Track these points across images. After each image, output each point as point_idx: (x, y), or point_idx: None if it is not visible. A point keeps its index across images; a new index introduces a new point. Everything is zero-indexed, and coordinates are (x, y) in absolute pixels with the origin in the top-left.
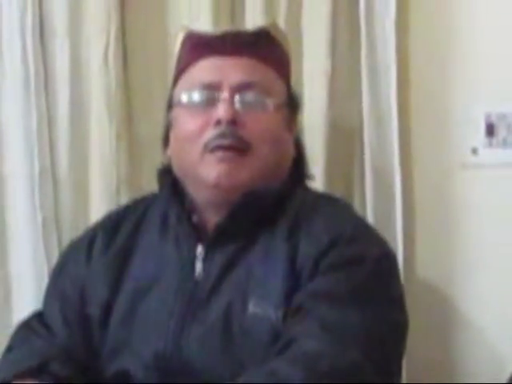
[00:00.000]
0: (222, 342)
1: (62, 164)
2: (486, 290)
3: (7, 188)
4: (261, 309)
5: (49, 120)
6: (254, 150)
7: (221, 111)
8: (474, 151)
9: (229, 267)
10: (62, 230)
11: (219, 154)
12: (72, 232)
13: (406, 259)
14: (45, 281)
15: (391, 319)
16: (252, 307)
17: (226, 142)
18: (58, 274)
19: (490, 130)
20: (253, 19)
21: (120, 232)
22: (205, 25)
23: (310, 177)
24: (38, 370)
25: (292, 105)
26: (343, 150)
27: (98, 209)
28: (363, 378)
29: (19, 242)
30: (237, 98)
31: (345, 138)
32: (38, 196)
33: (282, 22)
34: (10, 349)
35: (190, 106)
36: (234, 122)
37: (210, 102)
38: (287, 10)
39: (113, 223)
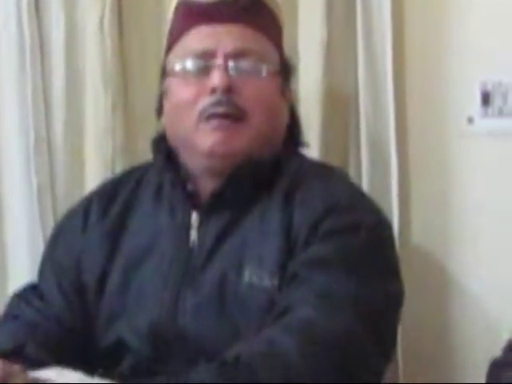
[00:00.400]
0: (217, 311)
1: (58, 133)
2: (482, 257)
3: (3, 157)
4: (256, 277)
5: (44, 90)
6: (249, 117)
7: (216, 79)
8: (470, 120)
9: (224, 235)
10: (57, 199)
11: (215, 122)
12: (67, 200)
13: (401, 227)
14: (40, 249)
15: (386, 288)
16: (247, 275)
17: (221, 109)
18: (54, 244)
19: (486, 99)
20: None
21: (115, 201)
22: None
23: (305, 144)
24: (12, 353)
25: (286, 72)
26: (339, 119)
27: (94, 178)
28: (358, 345)
29: (15, 210)
30: (231, 65)
31: (340, 106)
32: (33, 164)
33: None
34: (1, 323)
35: (184, 74)
36: (229, 89)
37: (204, 70)
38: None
39: (108, 192)
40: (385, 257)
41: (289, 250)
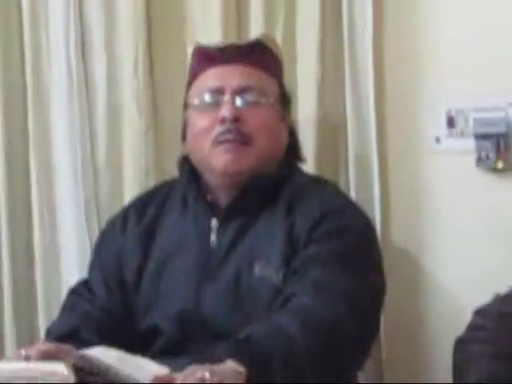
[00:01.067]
0: (233, 300)
1: (101, 154)
2: (450, 253)
3: (56, 173)
4: (265, 272)
5: (89, 118)
6: (254, 141)
7: (224, 111)
8: (438, 140)
9: (238, 238)
10: (100, 209)
11: (225, 146)
12: (109, 210)
13: (382, 229)
14: (87, 250)
15: (372, 281)
16: (258, 271)
17: (230, 136)
18: (99, 247)
19: (451, 123)
20: (255, 31)
21: (148, 210)
22: (216, 37)
23: (303, 160)
24: (68, 336)
25: (285, 101)
26: (330, 141)
27: (130, 191)
28: (347, 329)
29: (66, 218)
30: (237, 99)
31: (332, 131)
32: (80, 181)
33: (279, 35)
34: (59, 314)
35: (201, 107)
36: (236, 119)
37: (216, 104)
38: (284, 24)
39: (142, 203)
40: (370, 255)
41: (291, 250)
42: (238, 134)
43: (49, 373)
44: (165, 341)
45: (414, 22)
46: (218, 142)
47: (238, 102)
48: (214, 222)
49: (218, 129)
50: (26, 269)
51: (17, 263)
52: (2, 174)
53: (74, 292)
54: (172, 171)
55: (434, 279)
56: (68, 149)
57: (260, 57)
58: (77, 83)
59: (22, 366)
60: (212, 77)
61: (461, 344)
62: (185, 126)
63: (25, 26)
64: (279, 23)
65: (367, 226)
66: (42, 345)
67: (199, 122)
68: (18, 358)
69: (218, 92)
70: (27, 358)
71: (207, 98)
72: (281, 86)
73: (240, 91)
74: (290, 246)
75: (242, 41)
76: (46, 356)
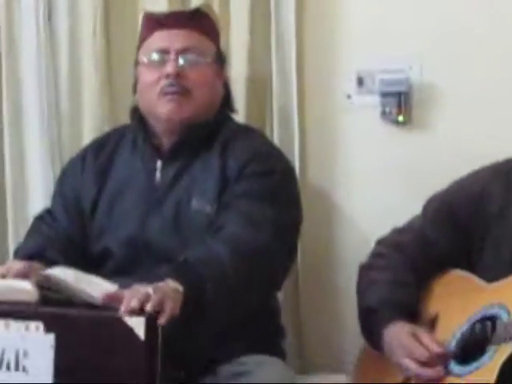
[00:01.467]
0: (173, 228)
1: (63, 105)
2: (359, 192)
3: (25, 123)
4: (201, 204)
5: (54, 75)
6: (193, 93)
7: (169, 68)
8: (349, 96)
9: (178, 176)
10: (63, 151)
11: (169, 97)
12: (70, 152)
13: (301, 171)
14: (50, 185)
15: (291, 214)
16: (195, 203)
17: (173, 89)
18: (61, 182)
19: (360, 82)
20: (196, 1)
21: (103, 151)
22: (162, 6)
23: (235, 111)
24: (35, 256)
25: (220, 60)
26: (258, 95)
27: (89, 136)
28: (272, 255)
29: (33, 158)
30: (180, 58)
31: (259, 87)
32: (46, 127)
33: (216, 4)
34: (26, 236)
35: (149, 64)
36: (178, 75)
37: (162, 62)
38: (222, 18)
39: (98, 145)
40: (290, 192)
41: (223, 186)
42: (180, 87)
43: (16, 290)
44: (115, 262)
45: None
46: (163, 94)
47: (181, 60)
48: (159, 163)
49: (163, 82)
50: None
51: None
52: None
53: (39, 218)
54: (124, 119)
55: (344, 213)
56: (36, 100)
57: (199, 22)
58: (44, 43)
59: None
60: (159, 39)
61: (363, 270)
62: (135, 80)
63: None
64: (217, 10)
65: (288, 167)
66: (15, 264)
67: (147, 76)
68: None
69: (163, 52)
70: (3, 276)
71: (154, 56)
72: (217, 47)
73: (182, 51)
74: (222, 183)
75: (185, 9)
76: (19, 274)
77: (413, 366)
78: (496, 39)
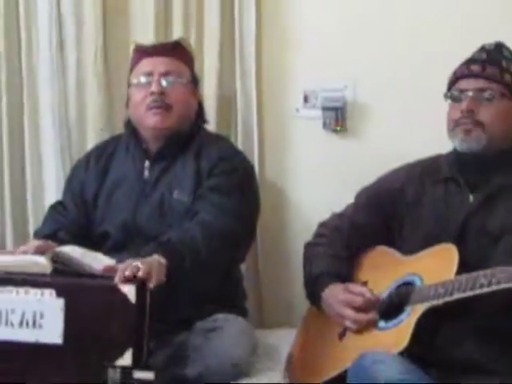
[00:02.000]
0: (159, 215)
1: (71, 118)
2: (305, 186)
3: (41, 132)
4: (180, 196)
5: (65, 93)
6: (173, 108)
7: (153, 87)
8: (297, 110)
9: (162, 173)
10: (71, 154)
11: (154, 111)
12: (77, 155)
13: (260, 170)
14: (62, 181)
15: (252, 204)
16: (175, 195)
17: (157, 104)
18: (70, 179)
19: (306, 99)
20: (176, 35)
21: (103, 154)
22: (150, 38)
23: (207, 122)
24: (50, 236)
25: (195, 82)
26: (226, 110)
27: (92, 143)
28: (236, 236)
29: (49, 161)
30: (162, 79)
31: (226, 103)
32: (58, 136)
33: (193, 38)
34: (43, 221)
35: (138, 85)
36: (161, 93)
37: (148, 83)
38: (196, 31)
39: (100, 149)
40: (251, 186)
41: (198, 181)
42: (162, 103)
43: (34, 263)
44: (112, 242)
45: (283, 24)
46: (149, 108)
47: (163, 81)
48: (147, 163)
49: (149, 99)
50: (21, 196)
51: (14, 192)
52: (5, 133)
53: (52, 207)
54: (120, 129)
55: (293, 203)
56: (50, 113)
57: (177, 52)
58: (56, 68)
59: (14, 258)
60: (145, 64)
61: (308, 246)
62: (128, 98)
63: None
64: (193, 31)
65: (249, 167)
66: (34, 242)
67: (137, 95)
68: (18, 252)
69: (149, 74)
70: (24, 252)
71: (142, 79)
72: (192, 71)
73: (164, 74)
74: (197, 179)
75: (167, 41)
76: (37, 251)
77: (350, 313)
78: (414, 63)
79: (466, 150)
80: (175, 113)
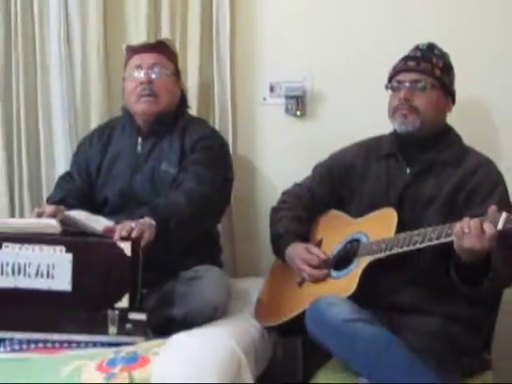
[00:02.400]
0: (150, 184)
1: (78, 103)
2: (273, 159)
3: (53, 116)
4: (167, 168)
5: (72, 84)
6: (160, 95)
7: (142, 78)
8: (264, 99)
9: (152, 149)
10: (77, 134)
11: (143, 98)
12: (82, 134)
13: (233, 146)
14: (69, 156)
15: (227, 175)
16: (163, 167)
17: (146, 92)
18: (76, 154)
19: (272, 89)
20: (165, 34)
21: (104, 133)
22: (142, 36)
23: (189, 107)
24: (60, 202)
25: (177, 74)
26: (205, 97)
27: (95, 124)
28: (213, 202)
29: (59, 140)
30: (150, 71)
31: (205, 91)
32: (67, 119)
33: (177, 38)
34: (53, 189)
35: (130, 77)
36: (149, 82)
37: (138, 75)
38: (181, 31)
39: (101, 129)
40: (226, 160)
41: (183, 156)
42: (151, 91)
43: (45, 225)
44: (111, 207)
45: (253, 26)
46: (139, 96)
47: (150, 72)
48: (139, 140)
49: (140, 88)
50: (36, 167)
51: (30, 164)
52: (22, 116)
53: (62, 178)
54: (118, 113)
55: (261, 174)
56: (59, 100)
57: (161, 49)
58: (64, 60)
59: (28, 220)
60: (136, 59)
61: (274, 211)
62: (123, 89)
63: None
64: (178, 31)
65: (225, 144)
66: (47, 207)
67: (129, 86)
68: (34, 214)
69: (139, 67)
70: (39, 215)
71: (133, 72)
72: (175, 66)
73: (151, 66)
74: (181, 153)
75: (154, 40)
76: (50, 214)
77: (307, 268)
78: (362, 58)
79: (403, 131)
80: (161, 99)
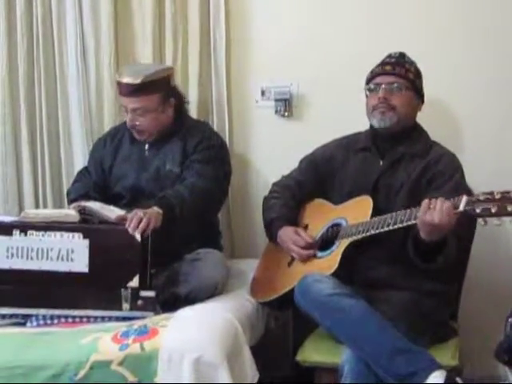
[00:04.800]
0: (156, 181)
1: (93, 108)
2: (262, 157)
3: (71, 119)
4: (172, 167)
5: (88, 92)
6: (145, 130)
7: (129, 117)
8: (257, 101)
9: (158, 151)
10: (93, 135)
11: (134, 131)
12: (97, 135)
13: (230, 145)
14: (86, 154)
15: (226, 171)
16: (168, 166)
17: (135, 130)
18: (92, 152)
19: (263, 93)
20: (169, 47)
21: (117, 136)
22: (148, 50)
23: (188, 110)
24: (82, 196)
25: (167, 96)
26: (205, 105)
27: (107, 127)
28: (213, 195)
29: (76, 139)
30: (134, 115)
31: (204, 100)
32: (83, 121)
33: (179, 60)
34: (72, 183)
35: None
36: (133, 125)
37: (126, 115)
38: (182, 44)
39: (114, 132)
40: (225, 157)
41: (185, 156)
42: (137, 130)
43: (65, 214)
44: (125, 201)
45: (246, 39)
46: (131, 127)
47: (135, 117)
48: (147, 146)
49: (129, 124)
50: (57, 165)
51: (52, 162)
52: (44, 120)
53: (80, 173)
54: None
55: (254, 169)
56: (77, 105)
57: (143, 90)
58: (81, 70)
59: (50, 211)
60: (122, 100)
61: (266, 199)
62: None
63: (55, 49)
64: (180, 45)
65: (223, 144)
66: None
67: (125, 114)
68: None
69: (125, 109)
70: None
71: (123, 108)
72: (162, 92)
73: (134, 110)
74: (184, 154)
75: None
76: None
77: (296, 248)
78: (342, 64)
79: (382, 127)
80: (148, 131)
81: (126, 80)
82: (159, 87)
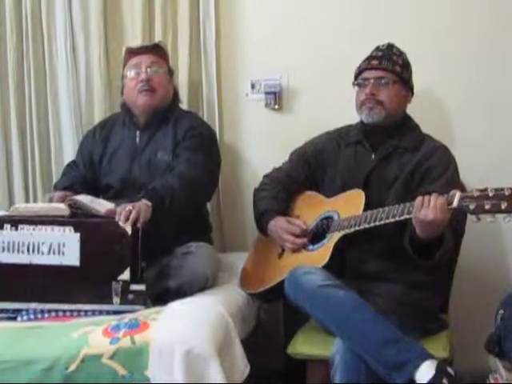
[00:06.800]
0: (147, 170)
1: (83, 103)
2: (253, 146)
3: (61, 114)
4: (163, 156)
5: (77, 88)
6: (157, 90)
7: (142, 76)
8: (247, 94)
9: (149, 140)
10: (83, 128)
11: (143, 93)
12: (87, 128)
13: (220, 135)
14: (76, 147)
15: (215, 160)
16: (160, 155)
17: (145, 87)
18: (81, 145)
19: (253, 86)
20: (158, 38)
21: (106, 126)
22: (138, 41)
23: (181, 101)
24: (68, 188)
25: (170, 73)
26: (195, 92)
27: (98, 119)
28: (203, 184)
29: (66, 134)
30: (148, 70)
31: (195, 87)
32: (73, 116)
33: (169, 41)
34: (61, 176)
35: (130, 76)
36: (148, 80)
37: (137, 73)
38: (171, 35)
39: (103, 124)
40: (214, 147)
41: (176, 144)
42: (149, 86)
43: (56, 208)
44: (114, 192)
45: (235, 31)
46: (140, 91)
47: (149, 71)
48: (138, 132)
49: (140, 84)
50: (47, 157)
51: (42, 154)
52: (34, 114)
53: (68, 165)
54: (117, 109)
55: (244, 160)
56: (66, 100)
57: (157, 51)
58: (70, 64)
59: (41, 205)
60: (135, 60)
61: (257, 191)
62: (122, 87)
63: (45, 44)
64: (169, 35)
65: (213, 133)
66: (58, 193)
67: (130, 83)
68: (46, 200)
69: (138, 67)
70: (51, 200)
71: (133, 71)
72: (168, 65)
73: (149, 65)
74: (175, 142)
75: (150, 43)
76: (59, 200)
77: (290, 237)
78: (331, 59)
79: (370, 122)
80: (158, 94)
81: (141, 43)
82: (167, 59)
